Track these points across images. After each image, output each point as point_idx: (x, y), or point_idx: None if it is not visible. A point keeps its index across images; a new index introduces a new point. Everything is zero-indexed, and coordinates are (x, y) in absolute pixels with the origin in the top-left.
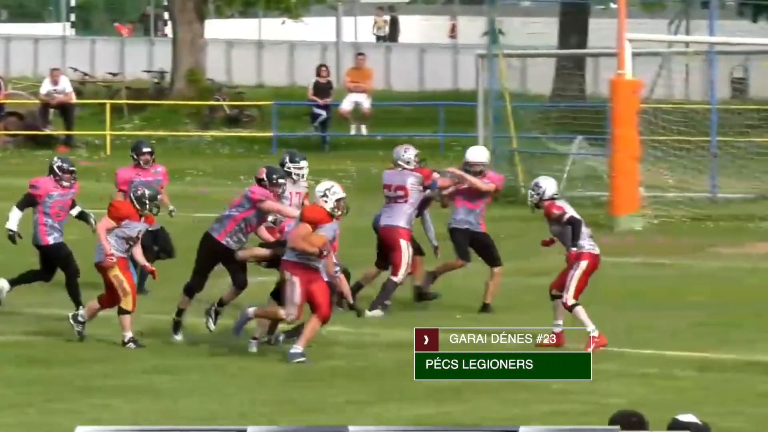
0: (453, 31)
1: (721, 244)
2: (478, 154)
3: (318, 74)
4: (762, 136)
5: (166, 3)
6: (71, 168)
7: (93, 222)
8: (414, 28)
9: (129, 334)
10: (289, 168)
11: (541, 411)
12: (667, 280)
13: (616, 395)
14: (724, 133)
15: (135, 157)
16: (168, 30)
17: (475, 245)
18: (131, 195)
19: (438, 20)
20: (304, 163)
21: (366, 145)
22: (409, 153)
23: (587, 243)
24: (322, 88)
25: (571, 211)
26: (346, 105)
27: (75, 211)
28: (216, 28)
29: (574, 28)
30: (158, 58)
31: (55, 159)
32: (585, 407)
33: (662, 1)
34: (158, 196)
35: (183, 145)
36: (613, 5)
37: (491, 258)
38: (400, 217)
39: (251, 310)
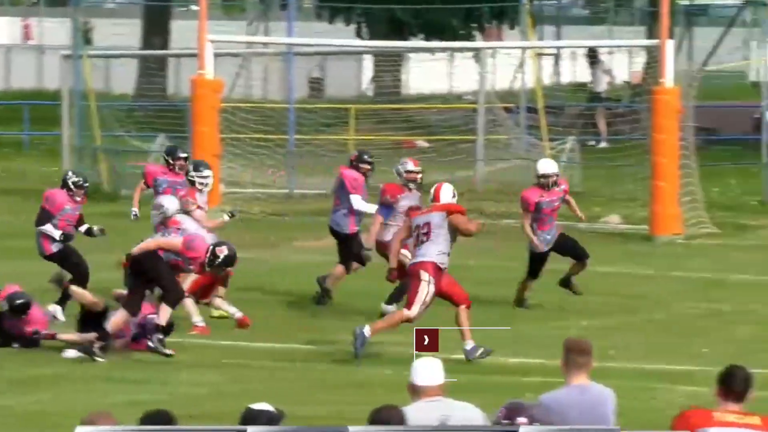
0: (27, 33)
1: (298, 238)
2: (549, 166)
3: None
4: (337, 133)
5: None
6: (85, 184)
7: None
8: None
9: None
10: (192, 177)
11: (117, 401)
12: (250, 274)
13: (193, 384)
14: (301, 131)
15: (171, 162)
16: None
17: None
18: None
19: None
20: (208, 173)
21: None
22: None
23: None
24: None
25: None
26: None
27: (83, 228)
28: None
29: (156, 30)
30: None
31: (70, 174)
32: (159, 397)
33: (241, 3)
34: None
35: None
36: (194, 7)
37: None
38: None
39: (367, 329)
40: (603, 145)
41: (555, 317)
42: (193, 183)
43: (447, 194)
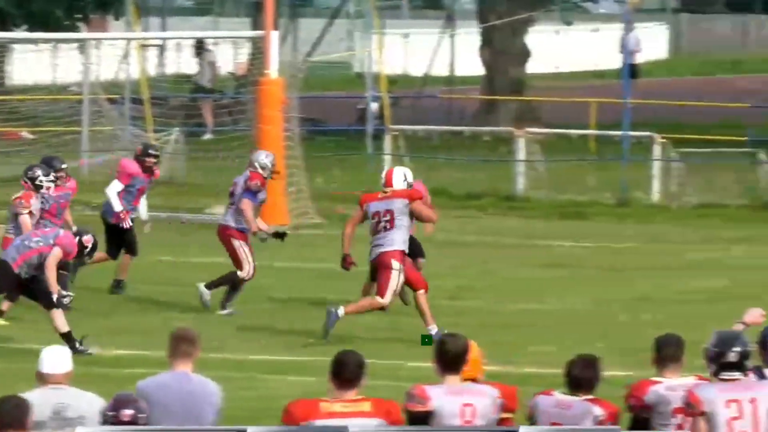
0: None
1: None
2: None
3: None
4: None
5: None
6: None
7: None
8: None
9: None
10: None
11: None
12: None
13: None
14: None
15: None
16: None
17: None
18: None
19: None
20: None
21: None
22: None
23: None
24: None
25: None
26: None
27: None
28: None
29: None
30: None
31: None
32: None
33: None
34: None
35: None
36: None
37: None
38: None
39: (341, 310)
40: (208, 136)
41: (155, 310)
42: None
43: (399, 179)
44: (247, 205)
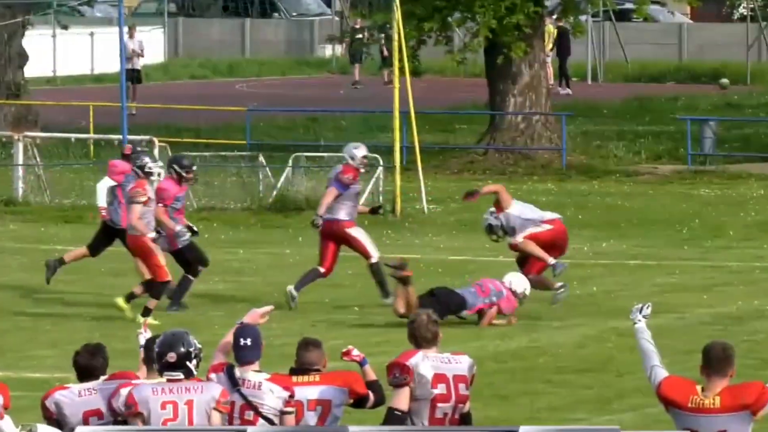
0: None
1: None
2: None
3: None
4: None
5: None
6: None
7: None
8: None
9: None
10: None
11: None
12: None
13: None
14: None
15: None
16: None
17: None
18: None
19: None
20: None
21: None
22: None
23: None
24: None
25: None
26: None
27: None
28: None
29: None
30: None
31: None
32: None
33: None
34: None
35: None
36: None
37: None
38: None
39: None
40: None
41: None
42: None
43: None
44: (331, 192)
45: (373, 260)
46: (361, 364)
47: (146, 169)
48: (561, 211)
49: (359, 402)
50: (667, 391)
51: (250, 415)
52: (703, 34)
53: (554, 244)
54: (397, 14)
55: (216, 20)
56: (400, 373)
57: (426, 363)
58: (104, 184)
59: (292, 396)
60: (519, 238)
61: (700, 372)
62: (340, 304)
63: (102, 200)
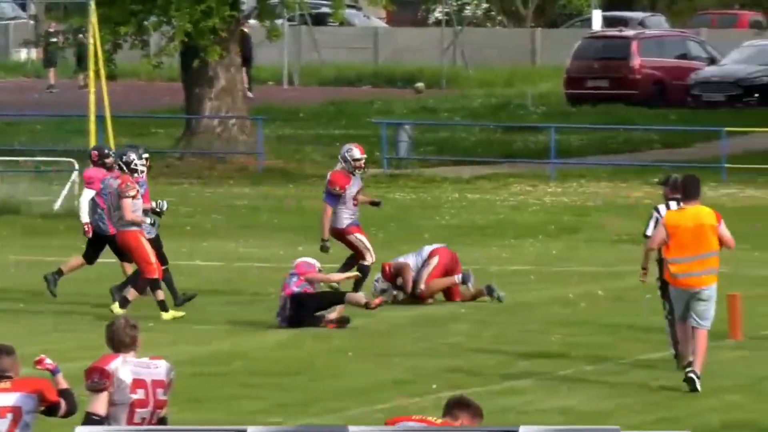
0: None
1: None
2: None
3: None
4: None
5: None
6: None
7: None
8: None
9: None
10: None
11: None
12: None
13: None
14: None
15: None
16: None
17: None
18: None
19: None
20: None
21: None
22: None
23: None
24: None
25: None
26: None
27: None
28: None
29: None
30: None
31: None
32: None
33: None
34: None
35: None
36: None
37: None
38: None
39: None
40: None
41: None
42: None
43: None
44: (326, 211)
45: (366, 263)
46: (53, 372)
47: (132, 166)
48: (257, 216)
49: (51, 410)
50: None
51: None
52: (398, 38)
53: (447, 271)
54: (93, 18)
55: None
56: (99, 378)
57: (126, 367)
58: (86, 197)
59: None
60: (422, 286)
61: None
62: (37, 310)
63: (85, 215)
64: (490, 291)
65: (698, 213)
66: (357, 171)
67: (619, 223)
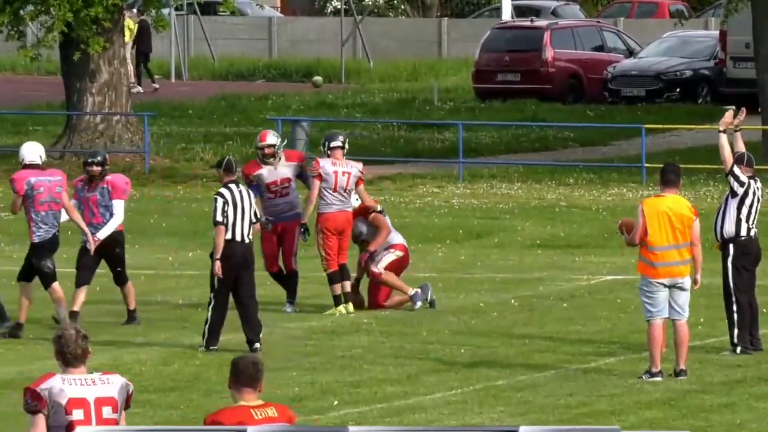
0: None
1: None
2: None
3: None
4: None
5: None
6: None
7: None
8: None
9: None
10: None
11: None
12: None
13: None
14: None
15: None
16: None
17: None
18: None
19: None
20: None
21: None
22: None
23: None
24: None
25: None
26: None
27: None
28: None
29: None
30: None
31: None
32: None
33: None
34: None
35: None
36: None
37: None
38: None
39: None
40: None
41: None
42: None
43: None
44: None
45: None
46: None
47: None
48: (143, 219)
49: None
50: None
51: None
52: (295, 29)
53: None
54: None
55: None
56: (31, 400)
57: (63, 387)
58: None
59: None
60: (380, 269)
61: None
62: None
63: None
64: (425, 293)
65: (679, 203)
66: (267, 158)
67: (532, 227)
